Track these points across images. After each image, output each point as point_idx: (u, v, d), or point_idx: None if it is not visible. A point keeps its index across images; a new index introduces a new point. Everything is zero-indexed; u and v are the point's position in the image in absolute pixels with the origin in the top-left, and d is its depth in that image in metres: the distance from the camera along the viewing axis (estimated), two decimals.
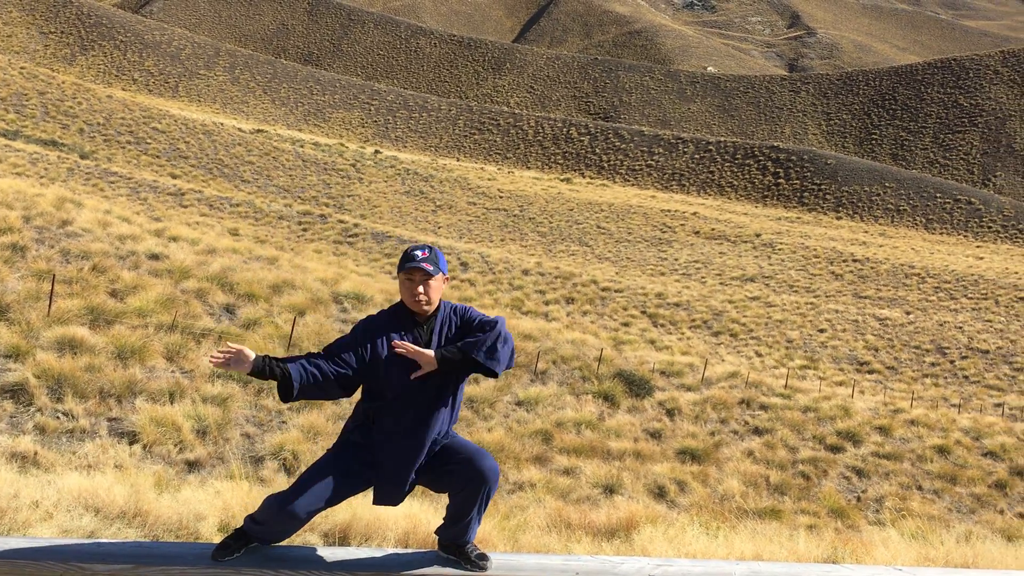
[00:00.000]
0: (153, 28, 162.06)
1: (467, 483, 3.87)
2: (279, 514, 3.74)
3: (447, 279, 4.05)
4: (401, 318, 3.97)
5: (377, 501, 4.06)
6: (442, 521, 4.05)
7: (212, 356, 3.74)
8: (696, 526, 7.21)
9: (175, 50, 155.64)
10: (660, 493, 13.36)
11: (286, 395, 3.80)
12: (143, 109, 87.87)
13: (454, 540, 3.95)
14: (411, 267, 3.88)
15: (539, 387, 16.75)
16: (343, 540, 5.97)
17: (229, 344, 3.75)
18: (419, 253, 3.91)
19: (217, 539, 4.30)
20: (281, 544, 3.93)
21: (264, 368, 3.74)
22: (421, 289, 3.89)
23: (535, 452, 13.59)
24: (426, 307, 3.92)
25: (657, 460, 14.84)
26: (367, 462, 3.92)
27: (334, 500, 3.86)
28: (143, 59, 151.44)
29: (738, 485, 14.45)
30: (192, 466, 9.70)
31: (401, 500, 4.05)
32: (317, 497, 3.78)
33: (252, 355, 3.73)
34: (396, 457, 3.92)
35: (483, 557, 3.89)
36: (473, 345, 3.85)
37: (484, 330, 3.91)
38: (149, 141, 77.56)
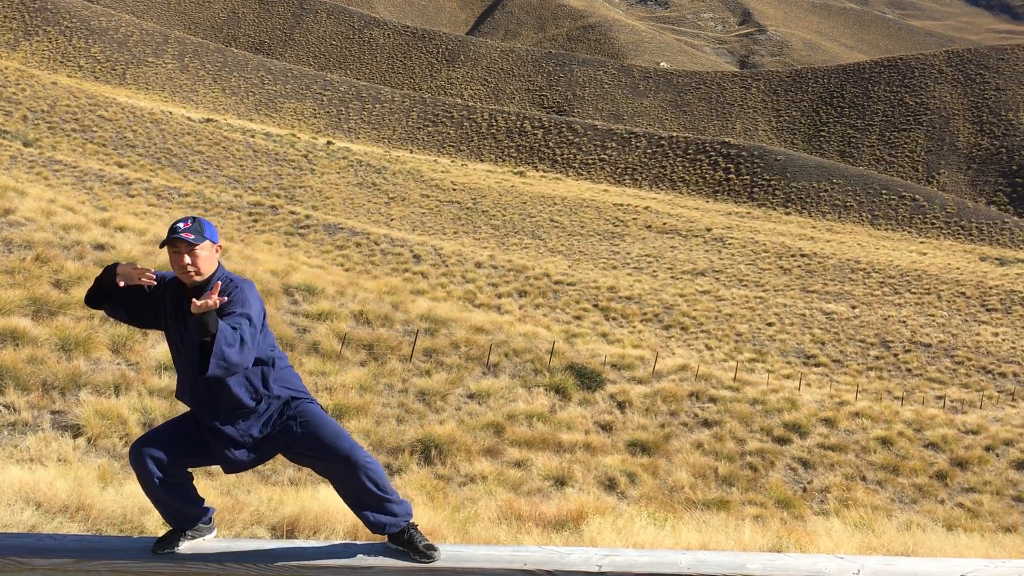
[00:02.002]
0: (100, 14, 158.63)
1: (340, 476, 3.95)
2: (133, 459, 3.82)
3: (219, 248, 4.02)
4: (177, 290, 3.99)
5: (225, 469, 4.07)
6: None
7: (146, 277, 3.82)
8: (644, 517, 7.28)
9: (122, 37, 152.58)
10: (610, 485, 13.46)
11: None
12: (89, 96, 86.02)
13: (384, 529, 3.98)
14: (173, 238, 3.88)
15: (491, 380, 16.76)
16: (291, 533, 5.93)
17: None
18: (181, 224, 3.92)
19: (162, 533, 4.25)
20: (227, 538, 3.89)
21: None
22: (188, 260, 3.87)
23: (486, 445, 13.61)
24: (196, 277, 3.91)
25: (608, 452, 14.95)
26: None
27: (180, 452, 3.89)
28: (89, 45, 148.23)
29: (687, 477, 14.62)
30: None
31: (242, 466, 4.04)
32: (160, 443, 3.85)
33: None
34: (206, 420, 3.94)
35: (431, 548, 3.90)
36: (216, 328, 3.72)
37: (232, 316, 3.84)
38: (95, 129, 75.97)
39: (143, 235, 19.38)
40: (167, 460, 3.85)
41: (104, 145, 72.47)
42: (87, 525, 5.76)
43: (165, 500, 3.88)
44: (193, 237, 3.88)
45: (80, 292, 13.27)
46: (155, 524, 5.82)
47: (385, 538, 4.03)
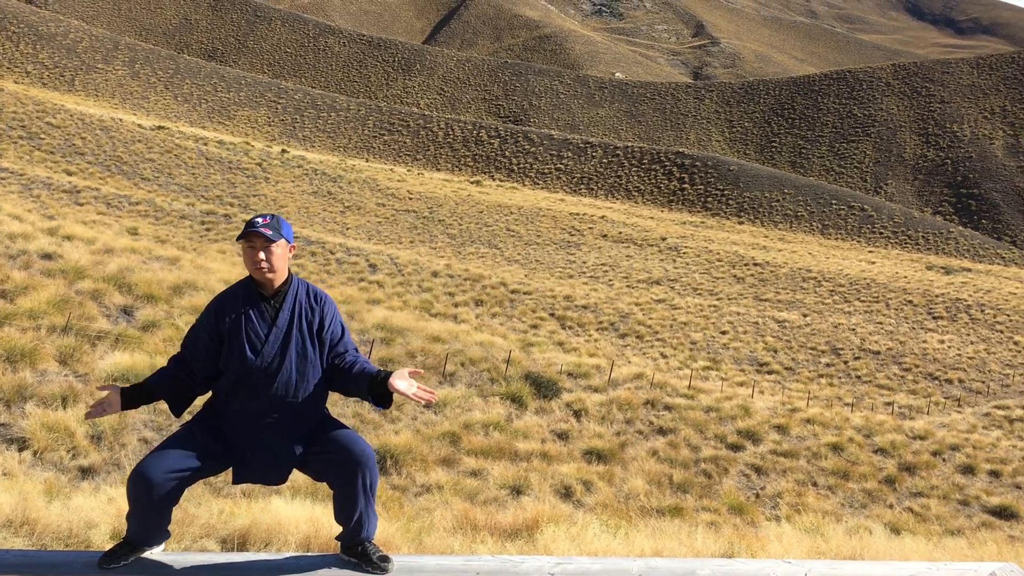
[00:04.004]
0: (48, 19, 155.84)
1: (341, 470, 3.83)
2: (135, 482, 3.66)
3: (292, 248, 3.97)
4: (249, 293, 3.91)
5: (247, 481, 3.98)
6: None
7: (88, 413, 3.75)
8: (597, 525, 7.32)
9: (71, 43, 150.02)
10: (567, 493, 13.49)
11: (173, 410, 3.90)
12: (37, 103, 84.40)
13: (352, 539, 3.92)
14: (250, 232, 3.80)
15: (447, 389, 16.73)
16: (242, 546, 5.86)
17: (97, 393, 3.75)
18: (260, 220, 3.85)
19: (108, 547, 4.18)
20: (175, 551, 3.84)
21: (135, 396, 3.78)
22: (262, 255, 3.80)
23: (443, 454, 13.56)
24: (269, 275, 3.85)
25: (564, 461, 14.98)
26: (222, 441, 3.85)
27: (188, 471, 3.76)
28: (37, 51, 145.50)
29: (643, 484, 14.70)
30: (86, 473, 9.38)
31: (280, 481, 3.97)
32: (171, 464, 3.70)
33: (118, 393, 3.74)
34: (253, 442, 3.84)
35: (385, 559, 3.87)
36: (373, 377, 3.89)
37: (349, 351, 3.98)
38: (43, 136, 74.54)
39: (92, 244, 19.05)
40: (178, 479, 3.72)
41: (52, 152, 71.14)
42: (32, 540, 5.65)
43: (150, 520, 3.74)
44: (271, 233, 3.80)
45: (26, 302, 13.00)
46: (102, 538, 5.72)
47: (338, 549, 3.99)
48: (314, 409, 3.94)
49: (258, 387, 3.82)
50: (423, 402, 3.70)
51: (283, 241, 3.86)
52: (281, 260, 3.86)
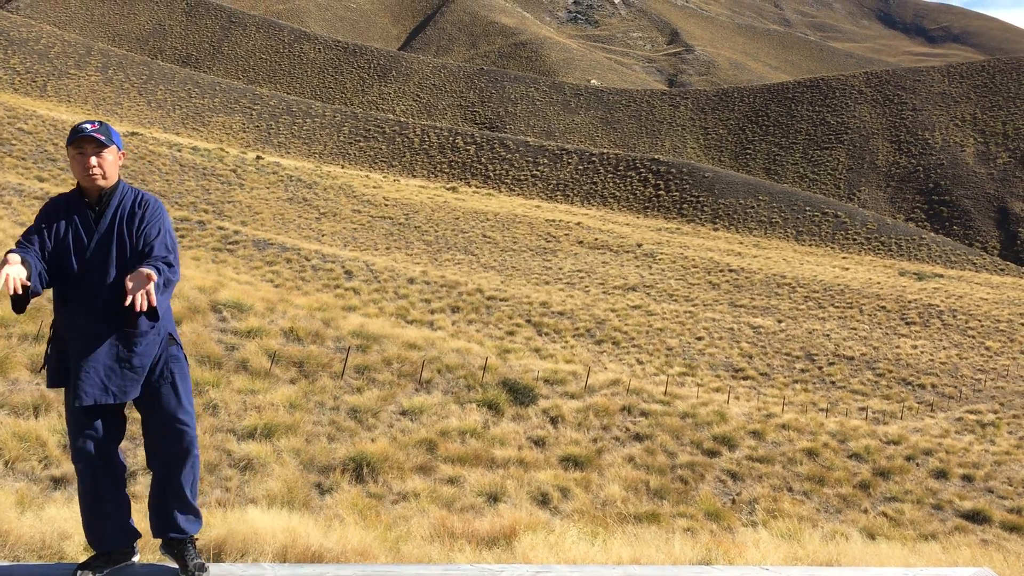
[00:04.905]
0: (20, 24, 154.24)
1: (167, 453, 3.76)
2: (76, 465, 3.68)
3: (123, 154, 3.91)
4: (76, 201, 3.82)
5: (81, 401, 3.79)
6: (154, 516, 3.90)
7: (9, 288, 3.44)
8: (575, 532, 7.32)
9: (43, 48, 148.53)
10: (544, 500, 13.48)
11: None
12: (8, 109, 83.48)
13: (170, 530, 3.81)
14: (80, 138, 3.73)
15: (424, 396, 16.67)
16: (217, 556, 5.81)
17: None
18: (88, 125, 3.78)
19: (83, 559, 4.12)
20: (149, 563, 3.80)
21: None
22: (94, 161, 3.74)
23: (419, 462, 13.52)
24: (101, 182, 3.77)
25: (541, 467, 14.98)
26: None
27: (100, 436, 3.74)
28: (8, 56, 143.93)
29: (619, 490, 14.72)
30: (58, 483, 9.26)
31: (131, 392, 3.79)
32: (86, 434, 3.71)
33: (18, 259, 3.53)
34: (93, 354, 3.73)
35: (202, 568, 3.77)
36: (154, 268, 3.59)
37: (155, 256, 3.72)
38: (14, 142, 73.71)
39: None
40: (100, 443, 3.71)
41: (24, 159, 70.35)
42: (4, 552, 5.57)
43: (104, 512, 3.70)
44: (103, 138, 3.74)
45: None
46: (75, 550, 5.65)
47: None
48: (151, 317, 3.77)
49: (88, 297, 3.73)
50: (135, 305, 3.42)
51: (114, 147, 3.81)
52: (112, 167, 3.81)
